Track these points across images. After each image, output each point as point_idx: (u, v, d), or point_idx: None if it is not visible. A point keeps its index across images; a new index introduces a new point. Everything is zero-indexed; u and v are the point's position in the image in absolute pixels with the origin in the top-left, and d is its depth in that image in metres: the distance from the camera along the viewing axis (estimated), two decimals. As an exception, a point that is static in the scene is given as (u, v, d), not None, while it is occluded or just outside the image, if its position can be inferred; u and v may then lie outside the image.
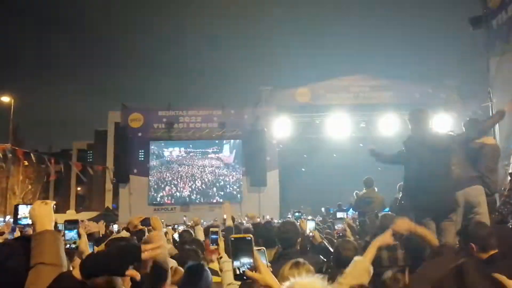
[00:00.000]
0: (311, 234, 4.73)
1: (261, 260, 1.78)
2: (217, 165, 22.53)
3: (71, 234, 3.19)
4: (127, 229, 6.84)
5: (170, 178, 22.42)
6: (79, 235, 3.23)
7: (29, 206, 2.04)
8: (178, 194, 22.22)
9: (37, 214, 1.94)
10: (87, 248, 3.20)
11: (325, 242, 4.69)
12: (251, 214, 6.10)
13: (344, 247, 3.88)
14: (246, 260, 1.77)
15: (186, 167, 22.54)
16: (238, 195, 21.88)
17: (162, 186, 22.20)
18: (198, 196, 22.23)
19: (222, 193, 22.16)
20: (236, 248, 1.79)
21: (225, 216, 6.28)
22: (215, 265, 4.03)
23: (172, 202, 21.92)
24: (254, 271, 1.75)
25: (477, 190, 5.23)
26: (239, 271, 1.77)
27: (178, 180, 22.41)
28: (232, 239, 1.81)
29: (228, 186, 22.30)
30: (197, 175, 22.51)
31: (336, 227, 4.88)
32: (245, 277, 1.76)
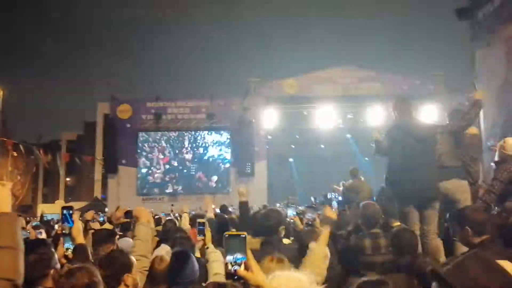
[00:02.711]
0: (291, 221, 4.75)
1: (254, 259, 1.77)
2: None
3: (66, 220, 3.22)
4: (110, 222, 6.81)
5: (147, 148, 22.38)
6: (73, 222, 3.24)
7: None
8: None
9: None
10: (79, 235, 3.18)
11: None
12: (241, 190, 5.58)
13: (308, 236, 3.92)
14: (238, 257, 1.77)
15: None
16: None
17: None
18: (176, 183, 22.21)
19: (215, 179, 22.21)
20: (230, 245, 1.79)
21: (206, 209, 6.12)
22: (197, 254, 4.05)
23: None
24: (246, 270, 1.74)
25: (458, 186, 5.22)
26: (231, 269, 1.76)
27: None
28: (226, 235, 1.82)
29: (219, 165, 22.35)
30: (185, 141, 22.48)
31: (306, 216, 4.90)
32: (236, 277, 1.76)
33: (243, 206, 5.27)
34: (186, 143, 22.44)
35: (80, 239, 3.18)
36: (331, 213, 3.35)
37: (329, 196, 12.54)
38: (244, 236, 1.80)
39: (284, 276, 1.78)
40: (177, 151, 22.38)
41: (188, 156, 22.38)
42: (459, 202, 5.05)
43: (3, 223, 1.81)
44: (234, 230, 5.28)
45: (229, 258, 1.77)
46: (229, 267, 1.76)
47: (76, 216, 3.42)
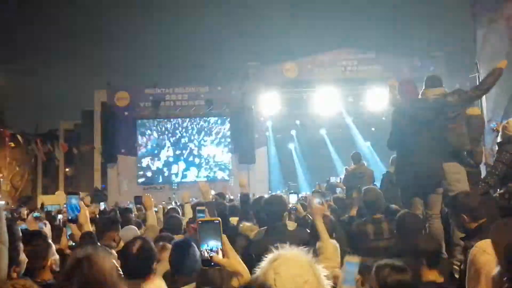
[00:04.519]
0: (294, 207, 4.72)
1: (229, 243, 1.73)
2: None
3: (72, 207, 3.14)
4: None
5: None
6: (79, 208, 3.16)
7: None
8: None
9: None
10: (86, 221, 3.09)
11: (309, 215, 4.69)
12: (242, 182, 5.70)
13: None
14: (213, 244, 1.73)
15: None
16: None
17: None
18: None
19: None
20: (204, 232, 1.75)
21: (212, 192, 6.15)
22: None
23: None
24: (222, 256, 1.72)
25: (450, 167, 5.07)
26: (207, 256, 1.73)
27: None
28: (200, 222, 1.77)
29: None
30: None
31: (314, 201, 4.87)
32: (212, 263, 1.73)
33: (244, 197, 5.37)
34: (179, 133, 22.33)
35: (87, 226, 3.08)
36: (317, 207, 3.31)
37: (332, 180, 12.46)
38: (218, 222, 1.75)
39: (289, 259, 1.66)
40: (156, 152, 22.27)
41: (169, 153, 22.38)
42: (451, 184, 4.95)
43: None
44: (236, 218, 5.27)
45: (204, 245, 1.73)
46: (205, 254, 1.73)
47: (82, 202, 3.33)
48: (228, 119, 22.03)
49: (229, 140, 22.17)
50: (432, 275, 2.98)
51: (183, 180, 21.82)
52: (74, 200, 3.17)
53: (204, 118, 22.15)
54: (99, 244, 3.35)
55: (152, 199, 4.37)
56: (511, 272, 1.50)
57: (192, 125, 22.29)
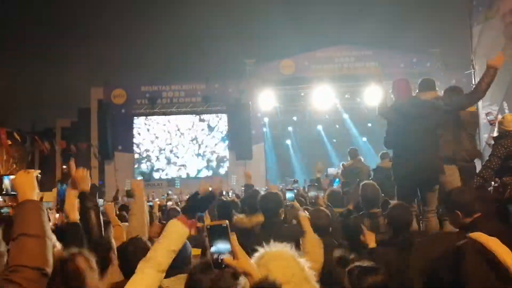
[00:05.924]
0: (290, 205, 4.74)
1: (239, 246, 1.77)
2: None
3: (62, 195, 3.16)
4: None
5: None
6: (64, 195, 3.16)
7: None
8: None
9: (18, 183, 1.87)
10: (72, 210, 3.04)
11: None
12: (247, 173, 5.80)
13: (317, 215, 3.91)
14: (223, 247, 1.77)
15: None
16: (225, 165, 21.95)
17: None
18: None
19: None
20: (213, 236, 1.79)
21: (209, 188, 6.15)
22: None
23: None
24: (232, 258, 1.75)
25: (446, 170, 5.07)
26: (218, 258, 1.76)
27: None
28: (208, 227, 1.81)
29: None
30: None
31: (309, 194, 4.93)
32: (223, 265, 1.76)
33: (249, 188, 5.41)
34: (177, 129, 22.36)
35: (73, 216, 3.03)
36: (304, 218, 3.37)
37: (330, 171, 12.51)
38: (225, 225, 1.80)
39: (276, 255, 1.82)
40: (153, 149, 22.35)
41: (169, 149, 22.44)
42: (444, 185, 4.99)
43: (28, 211, 1.79)
44: (236, 213, 5.29)
45: (214, 248, 1.78)
46: (215, 256, 1.77)
47: (69, 190, 3.28)
48: (225, 116, 22.05)
49: (225, 136, 22.19)
50: None
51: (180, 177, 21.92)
52: (63, 189, 3.20)
53: (201, 115, 22.16)
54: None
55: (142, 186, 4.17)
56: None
57: (186, 126, 22.34)
